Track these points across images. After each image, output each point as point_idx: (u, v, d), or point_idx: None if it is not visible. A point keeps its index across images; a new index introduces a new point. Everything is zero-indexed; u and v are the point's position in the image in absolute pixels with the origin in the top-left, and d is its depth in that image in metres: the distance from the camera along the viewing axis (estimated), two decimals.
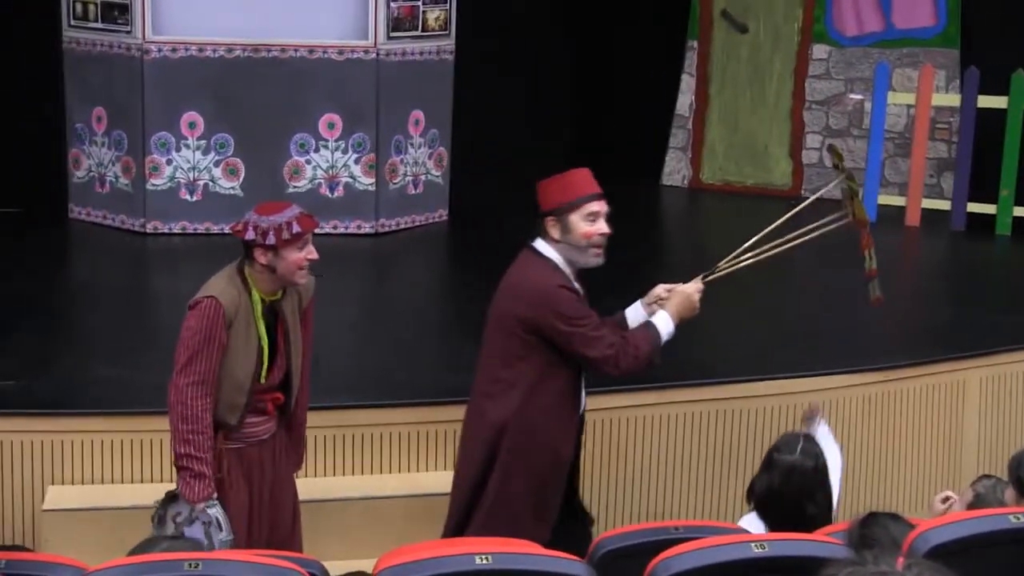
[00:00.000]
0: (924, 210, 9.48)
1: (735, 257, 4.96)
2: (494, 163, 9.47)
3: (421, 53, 8.78)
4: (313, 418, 5.00)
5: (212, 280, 4.55)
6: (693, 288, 4.85)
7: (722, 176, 10.59)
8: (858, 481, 6.31)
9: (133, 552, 3.41)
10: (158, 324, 6.91)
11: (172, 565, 3.16)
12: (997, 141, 9.22)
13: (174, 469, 4.57)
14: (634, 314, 4.93)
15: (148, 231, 8.52)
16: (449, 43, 8.93)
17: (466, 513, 4.83)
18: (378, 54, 8.56)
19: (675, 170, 10.68)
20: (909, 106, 9.73)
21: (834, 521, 4.36)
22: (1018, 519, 3.48)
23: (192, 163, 8.51)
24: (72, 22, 8.67)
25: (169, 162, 8.49)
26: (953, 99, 9.55)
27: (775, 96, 10.42)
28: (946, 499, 4.60)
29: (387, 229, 8.79)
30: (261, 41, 8.45)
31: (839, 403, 6.30)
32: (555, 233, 4.70)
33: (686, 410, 6.05)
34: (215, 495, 4.46)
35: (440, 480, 5.78)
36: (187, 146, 8.49)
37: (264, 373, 4.56)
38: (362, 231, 8.71)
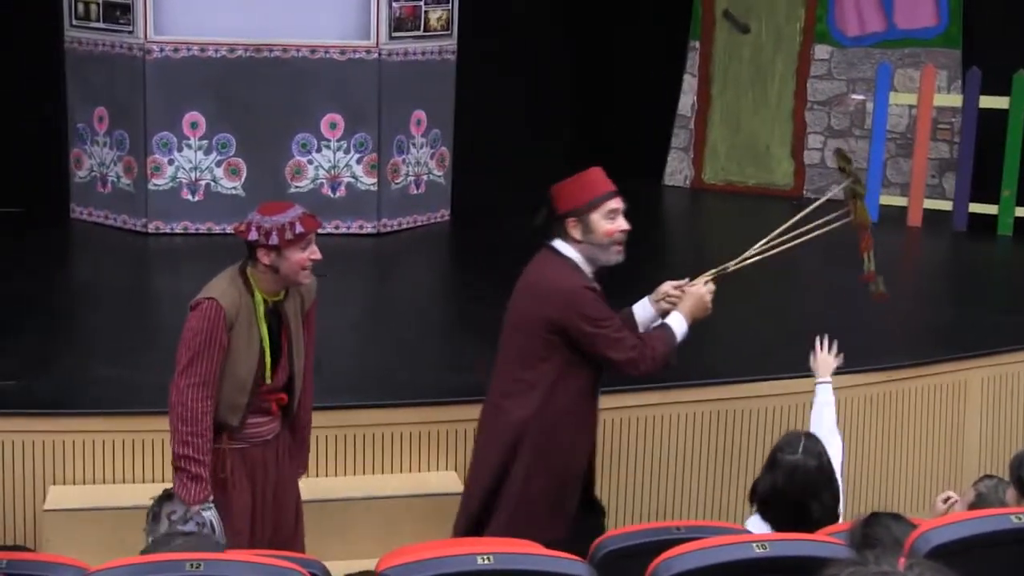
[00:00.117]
0: (926, 210, 9.48)
1: (743, 257, 4.98)
2: (496, 163, 9.47)
3: (423, 53, 8.78)
4: (316, 418, 5.00)
5: (213, 281, 4.55)
6: (705, 289, 4.89)
7: (724, 176, 10.59)
8: (860, 481, 6.31)
9: (147, 550, 3.41)
10: (159, 324, 6.91)
11: (174, 565, 3.16)
12: (999, 141, 9.22)
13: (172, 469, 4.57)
14: (642, 311, 4.94)
15: (150, 231, 8.52)
16: (451, 43, 8.93)
17: (482, 512, 4.82)
18: (380, 54, 8.56)
19: (677, 170, 10.68)
20: (911, 106, 9.72)
21: (841, 520, 4.35)
22: (1020, 519, 3.47)
23: (194, 163, 8.51)
24: (74, 22, 8.67)
25: (171, 162, 8.49)
26: (955, 99, 9.54)
27: (777, 96, 10.42)
28: (948, 499, 4.60)
29: (389, 229, 8.79)
30: (263, 41, 8.45)
31: (842, 403, 6.27)
32: (576, 233, 4.72)
33: (690, 410, 6.05)
34: (211, 498, 4.46)
35: (443, 480, 5.78)
36: (189, 146, 8.49)
37: (268, 374, 4.56)
38: (364, 231, 8.71)
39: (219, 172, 8.55)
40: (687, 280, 4.94)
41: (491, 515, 4.80)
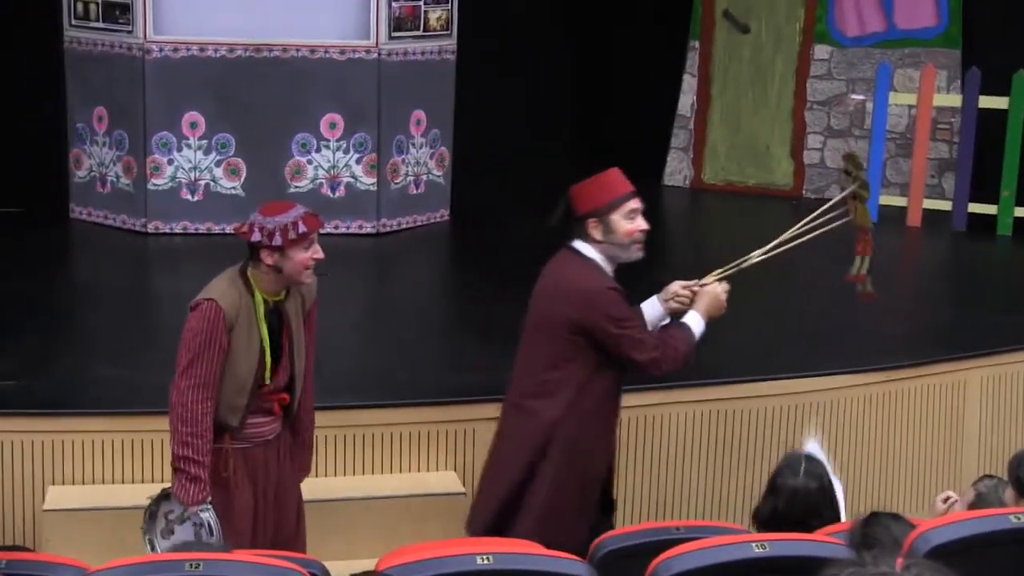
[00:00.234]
0: (925, 210, 9.48)
1: (751, 256, 5.01)
2: (495, 163, 9.47)
3: (423, 53, 8.78)
4: (320, 418, 5.01)
5: (213, 282, 4.55)
6: (721, 288, 4.93)
7: (724, 176, 10.59)
8: (859, 481, 6.31)
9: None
10: (159, 324, 6.91)
11: (173, 565, 3.16)
12: (998, 141, 9.22)
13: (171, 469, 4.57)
14: (651, 309, 4.94)
15: (149, 231, 8.52)
16: (451, 43, 8.92)
17: (503, 515, 4.81)
18: (380, 54, 8.56)
19: (677, 170, 10.68)
20: (910, 106, 9.72)
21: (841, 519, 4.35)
22: (1019, 519, 3.48)
23: (193, 163, 8.51)
24: (73, 22, 8.67)
25: (170, 162, 8.49)
26: (954, 99, 9.55)
27: (777, 96, 10.42)
28: (948, 499, 4.60)
29: (388, 229, 8.79)
30: (262, 41, 8.45)
31: (841, 403, 6.30)
32: (597, 234, 4.75)
33: (690, 410, 6.05)
34: (209, 499, 4.46)
35: (443, 480, 5.78)
36: (188, 146, 8.49)
37: (268, 375, 4.56)
38: (363, 231, 8.72)
39: (218, 172, 8.55)
40: (696, 280, 4.97)
41: (513, 518, 4.78)
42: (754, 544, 3.42)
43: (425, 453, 5.85)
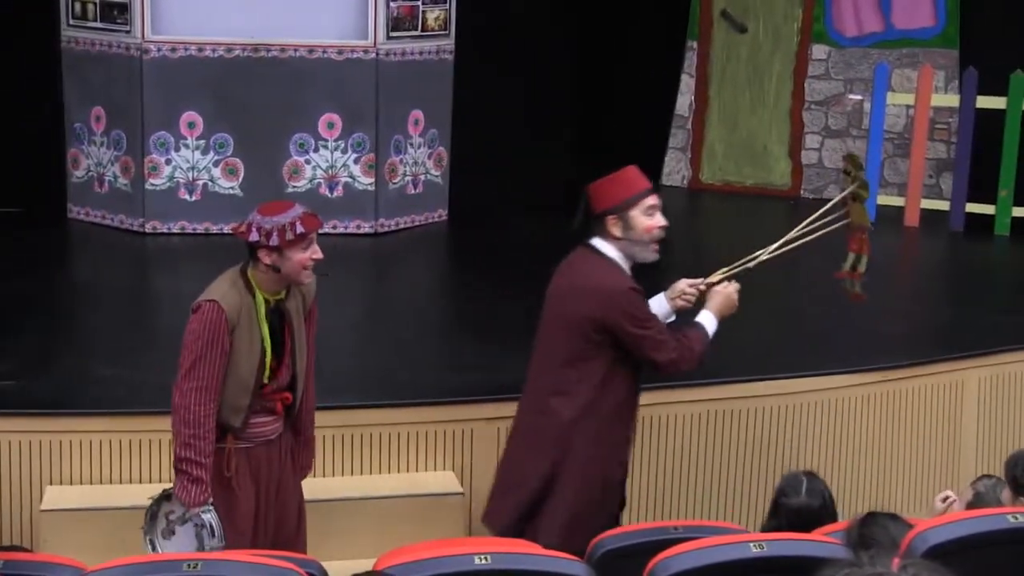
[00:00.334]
0: (923, 210, 9.48)
1: (758, 255, 5.02)
2: (493, 163, 9.47)
3: (421, 53, 8.78)
4: (319, 418, 5.00)
5: (214, 283, 4.54)
6: (732, 288, 4.95)
7: (721, 176, 10.60)
8: (858, 480, 6.31)
9: None
10: (158, 324, 6.91)
11: (171, 565, 3.16)
12: (996, 141, 9.22)
13: (173, 471, 4.56)
14: (657, 307, 4.94)
15: (147, 231, 8.51)
16: (449, 43, 8.93)
17: (526, 515, 4.80)
18: (378, 54, 8.56)
19: (675, 170, 10.68)
20: (908, 106, 9.73)
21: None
22: (1016, 519, 3.48)
23: (191, 163, 8.51)
24: (71, 21, 8.67)
25: (168, 162, 8.49)
26: (952, 99, 9.55)
27: (774, 96, 10.42)
28: (946, 499, 4.60)
29: (386, 229, 8.79)
30: (261, 41, 8.45)
31: (839, 403, 6.30)
32: (616, 231, 4.75)
33: (688, 410, 6.05)
34: (211, 500, 4.46)
35: (442, 480, 5.78)
36: (186, 146, 8.49)
37: (269, 374, 4.56)
38: (361, 231, 8.71)
39: (216, 172, 8.55)
40: (702, 279, 4.98)
41: (536, 521, 4.77)
42: (752, 544, 3.43)
43: (423, 453, 5.85)
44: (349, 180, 8.67)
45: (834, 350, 6.72)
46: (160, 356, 6.06)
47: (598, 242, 4.78)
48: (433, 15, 8.80)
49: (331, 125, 8.59)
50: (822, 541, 3.57)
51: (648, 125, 10.48)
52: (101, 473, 5.59)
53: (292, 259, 4.48)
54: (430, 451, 5.85)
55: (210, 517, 4.44)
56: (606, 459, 4.81)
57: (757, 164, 10.50)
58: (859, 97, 10.11)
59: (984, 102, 9.22)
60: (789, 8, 10.33)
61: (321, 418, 5.19)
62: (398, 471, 5.83)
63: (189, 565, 3.11)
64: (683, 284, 4.98)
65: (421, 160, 8.96)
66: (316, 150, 8.60)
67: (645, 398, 5.93)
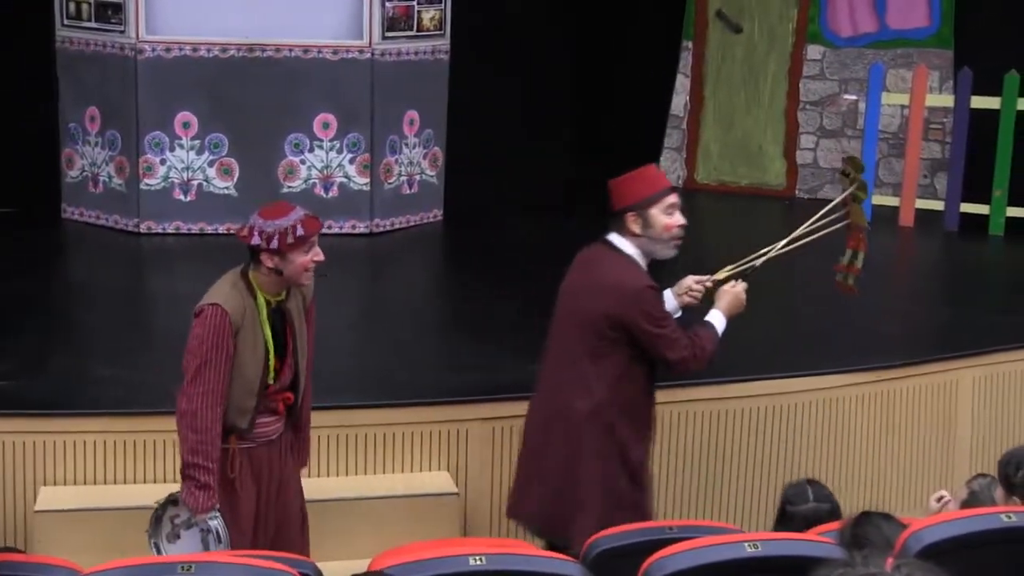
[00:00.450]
0: (918, 210, 9.49)
1: (764, 253, 5.04)
2: (488, 163, 9.47)
3: (416, 53, 8.78)
4: (314, 418, 5.00)
5: (215, 286, 4.53)
6: (741, 287, 4.97)
7: (717, 176, 10.60)
8: (852, 480, 6.31)
9: None
10: (153, 324, 6.90)
11: (166, 568, 3.16)
12: (990, 142, 9.23)
13: (179, 475, 4.55)
14: (666, 303, 4.94)
15: (142, 231, 8.50)
16: (444, 43, 8.92)
17: (554, 503, 4.80)
18: (373, 54, 8.56)
19: (670, 170, 10.67)
20: (903, 107, 9.74)
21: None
22: (1010, 518, 3.48)
23: (186, 163, 8.50)
24: (65, 21, 8.66)
25: (163, 162, 8.48)
26: (947, 100, 9.56)
27: (769, 96, 10.42)
28: (941, 498, 4.61)
29: (382, 229, 8.78)
30: (255, 41, 8.44)
31: (834, 403, 6.31)
32: (636, 228, 4.77)
33: (684, 410, 6.05)
34: (217, 506, 4.46)
35: (441, 480, 5.78)
36: (181, 146, 8.48)
37: (273, 375, 4.56)
38: (357, 231, 8.71)
39: (211, 172, 8.54)
40: (708, 275, 4.99)
41: (569, 516, 4.76)
42: (746, 544, 3.43)
43: (418, 453, 5.84)
44: (344, 180, 8.67)
45: (829, 350, 6.72)
46: (156, 357, 6.06)
47: (616, 238, 4.80)
48: (428, 15, 8.80)
49: (326, 125, 8.58)
50: (816, 541, 3.57)
51: (647, 125, 10.48)
52: (96, 474, 5.58)
53: (294, 262, 4.48)
54: (425, 451, 5.84)
55: (216, 523, 4.43)
56: (624, 453, 4.81)
57: (752, 164, 10.50)
58: (854, 97, 10.12)
59: (979, 102, 9.23)
60: (784, 8, 10.33)
61: (317, 418, 5.19)
62: (393, 471, 5.83)
63: (184, 567, 3.11)
64: (690, 280, 5.01)
65: (416, 160, 8.96)
66: (311, 150, 8.60)
67: None
